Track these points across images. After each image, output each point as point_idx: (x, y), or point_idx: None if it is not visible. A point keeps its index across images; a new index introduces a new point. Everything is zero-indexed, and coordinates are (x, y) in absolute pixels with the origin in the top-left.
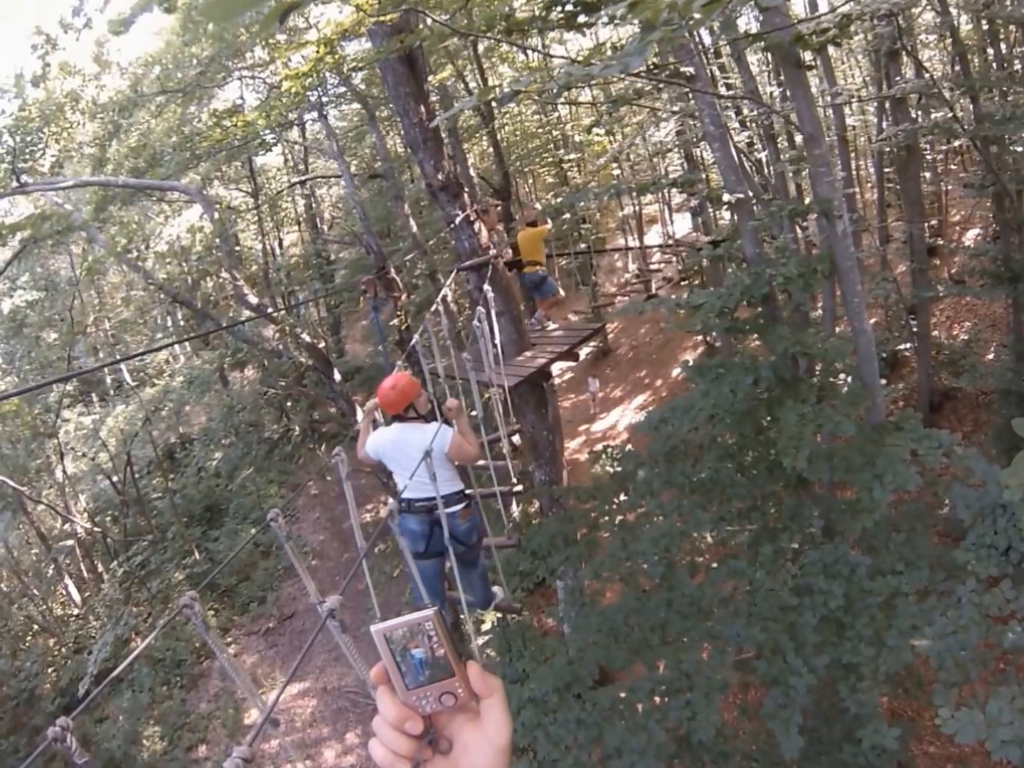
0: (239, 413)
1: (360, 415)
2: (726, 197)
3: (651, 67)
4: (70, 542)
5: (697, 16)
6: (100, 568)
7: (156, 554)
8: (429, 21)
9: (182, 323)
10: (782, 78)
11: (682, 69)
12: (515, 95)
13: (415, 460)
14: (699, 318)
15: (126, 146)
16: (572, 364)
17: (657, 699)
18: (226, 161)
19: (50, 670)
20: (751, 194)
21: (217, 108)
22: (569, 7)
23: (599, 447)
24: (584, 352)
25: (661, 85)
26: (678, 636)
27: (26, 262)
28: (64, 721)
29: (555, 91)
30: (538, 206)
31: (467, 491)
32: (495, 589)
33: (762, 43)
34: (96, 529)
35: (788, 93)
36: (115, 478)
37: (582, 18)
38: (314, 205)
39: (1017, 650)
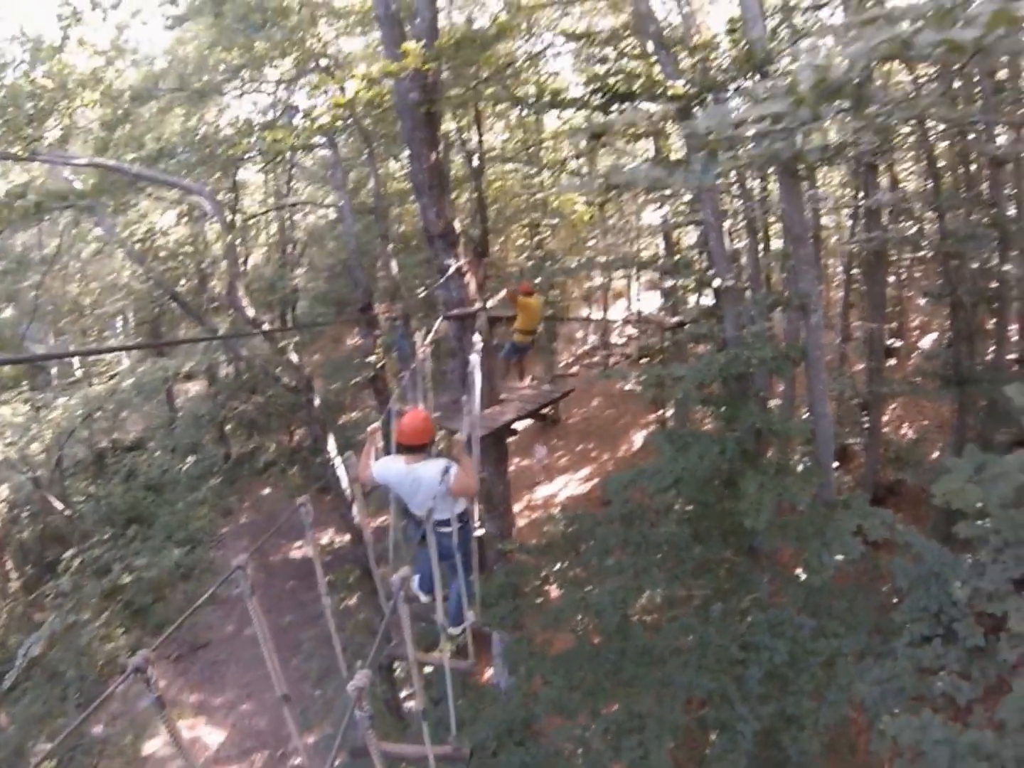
0: (187, 429)
1: (331, 443)
2: (716, 283)
3: (667, 155)
4: None
5: (758, 155)
6: (9, 564)
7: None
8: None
9: (132, 326)
10: (764, 172)
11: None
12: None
13: (425, 493)
14: (681, 388)
15: (129, 135)
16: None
17: (609, 738)
18: (219, 170)
19: None
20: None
21: (251, 119)
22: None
23: (555, 511)
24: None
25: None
26: (630, 681)
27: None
28: (147, 652)
29: (636, 187)
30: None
31: (461, 514)
32: (468, 613)
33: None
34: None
35: (780, 196)
36: (39, 472)
37: (615, 105)
38: (288, 230)
39: (945, 697)
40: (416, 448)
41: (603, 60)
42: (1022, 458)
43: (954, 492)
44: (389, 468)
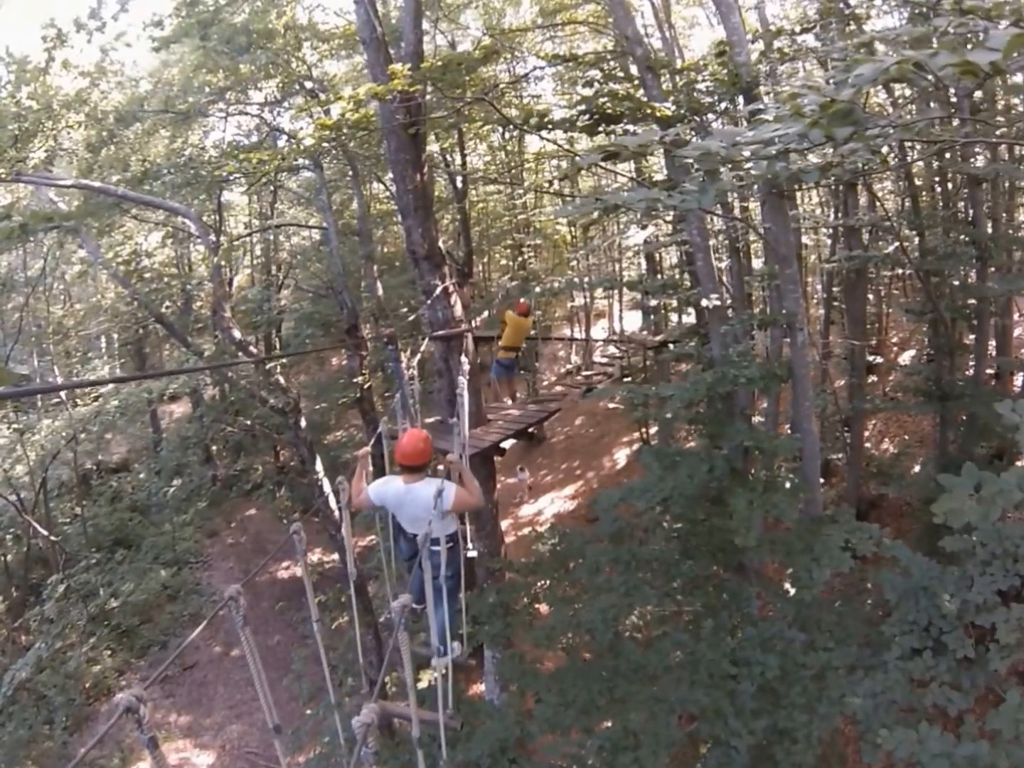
0: (172, 451)
1: (318, 463)
2: (704, 303)
3: (649, 177)
4: None
5: (756, 174)
6: None
7: (71, 581)
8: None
9: (116, 347)
10: (747, 192)
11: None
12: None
13: (423, 512)
14: (669, 407)
15: (113, 157)
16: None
17: (604, 755)
18: (204, 192)
19: None
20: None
21: (236, 141)
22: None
23: (543, 528)
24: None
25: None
26: (623, 698)
27: None
28: (138, 691)
29: (641, 211)
30: (523, 300)
31: (451, 535)
32: (454, 644)
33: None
34: None
35: (765, 216)
36: (23, 495)
37: (602, 127)
38: (272, 251)
39: (936, 708)
40: (415, 468)
41: (589, 83)
42: (1020, 474)
43: (955, 511)
44: (387, 487)
